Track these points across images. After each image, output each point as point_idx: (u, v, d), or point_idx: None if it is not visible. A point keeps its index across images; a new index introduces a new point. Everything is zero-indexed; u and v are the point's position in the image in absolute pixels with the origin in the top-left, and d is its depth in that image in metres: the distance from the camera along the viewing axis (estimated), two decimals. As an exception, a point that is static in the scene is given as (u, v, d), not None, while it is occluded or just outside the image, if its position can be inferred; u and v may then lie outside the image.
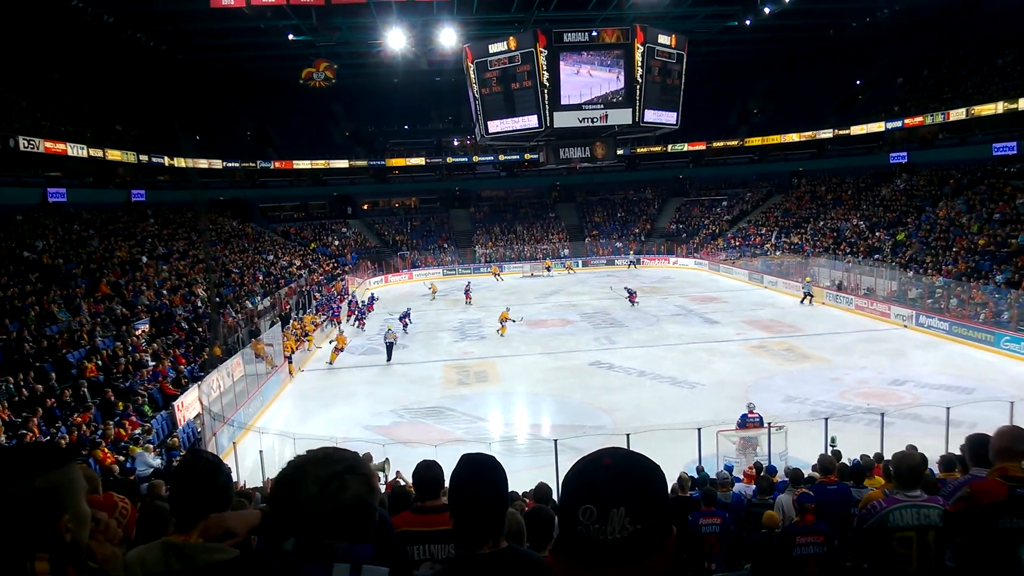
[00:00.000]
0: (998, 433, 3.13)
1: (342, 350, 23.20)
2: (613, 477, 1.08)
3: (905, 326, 24.58)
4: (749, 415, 13.40)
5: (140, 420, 14.17)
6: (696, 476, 10.13)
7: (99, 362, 15.92)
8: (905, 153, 38.56)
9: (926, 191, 34.10)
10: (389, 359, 22.59)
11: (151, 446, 13.05)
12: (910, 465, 3.54)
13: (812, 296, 29.79)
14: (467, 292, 33.33)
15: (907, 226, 32.01)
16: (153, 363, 17.27)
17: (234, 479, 10.40)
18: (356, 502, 1.26)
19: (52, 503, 1.32)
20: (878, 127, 40.25)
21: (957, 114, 34.39)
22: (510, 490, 8.20)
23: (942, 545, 3.25)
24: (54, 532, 1.33)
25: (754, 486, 8.93)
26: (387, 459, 10.69)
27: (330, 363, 22.72)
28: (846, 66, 45.53)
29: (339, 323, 28.81)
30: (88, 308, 18.96)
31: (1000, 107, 31.81)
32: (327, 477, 1.25)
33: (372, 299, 32.89)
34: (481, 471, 1.92)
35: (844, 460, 9.07)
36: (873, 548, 3.42)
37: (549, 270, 42.76)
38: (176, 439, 14.04)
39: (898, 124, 38.70)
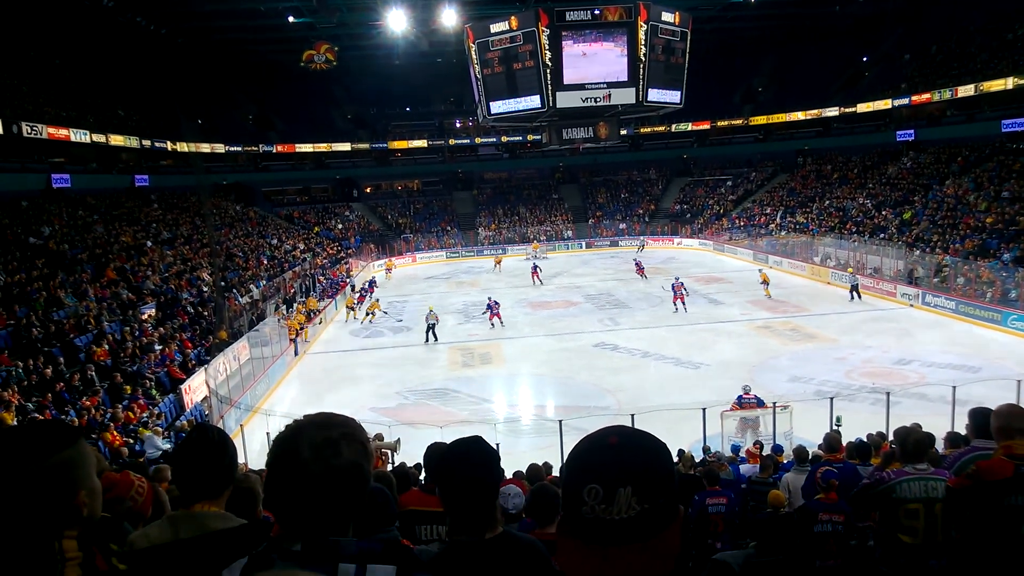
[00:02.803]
0: (996, 412, 3.16)
1: (352, 307, 27.26)
2: (619, 456, 1.05)
3: (911, 305, 24.49)
4: (745, 396, 13.45)
5: (148, 403, 14.27)
6: (704, 455, 10.17)
7: (107, 346, 16.00)
8: (912, 131, 38.14)
9: (933, 169, 33.80)
10: (436, 339, 22.77)
11: (160, 429, 13.17)
12: (916, 439, 3.57)
13: (856, 288, 25.68)
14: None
15: (914, 205, 31.79)
16: (160, 347, 17.35)
17: (240, 460, 10.48)
18: (350, 467, 1.25)
19: (68, 479, 1.37)
20: (885, 104, 39.82)
21: (966, 90, 33.96)
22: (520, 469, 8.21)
23: (949, 518, 3.28)
24: (73, 507, 1.36)
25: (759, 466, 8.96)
26: (398, 439, 10.74)
27: (347, 319, 27.07)
28: (852, 43, 44.95)
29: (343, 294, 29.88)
30: (95, 293, 19.03)
31: (1010, 83, 31.38)
32: (323, 442, 1.25)
33: (372, 283, 32.19)
34: (467, 455, 1.88)
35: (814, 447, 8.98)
36: (875, 511, 3.46)
37: (538, 260, 42.47)
38: (185, 423, 14.15)
39: (905, 101, 38.26)
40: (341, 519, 1.27)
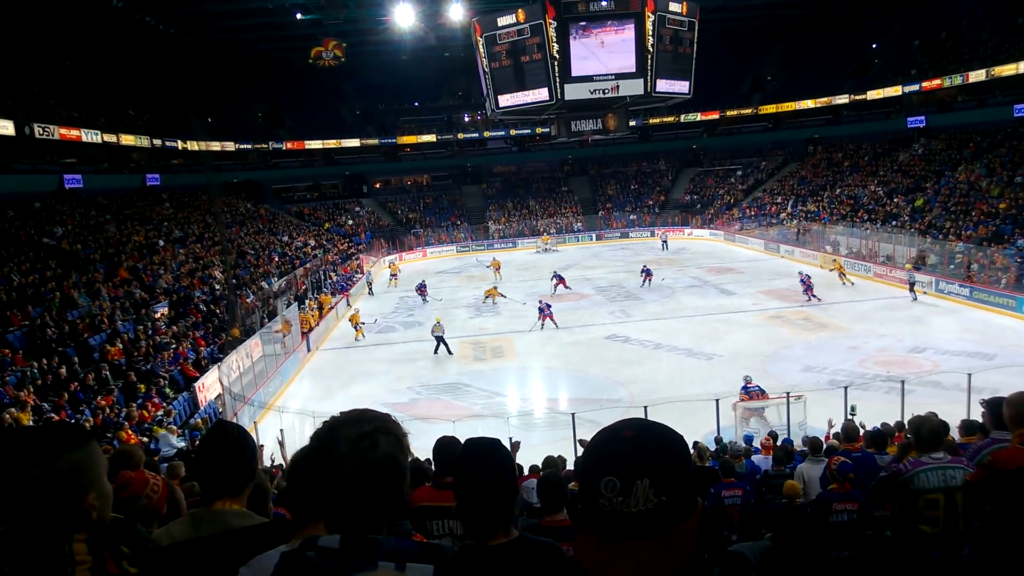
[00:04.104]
0: (1009, 401, 3.14)
1: (358, 325, 23.63)
2: (636, 448, 1.05)
3: (925, 292, 24.26)
4: (748, 386, 13.43)
5: (162, 402, 14.38)
6: (716, 446, 10.15)
7: (120, 345, 16.13)
8: (923, 117, 37.75)
9: (945, 155, 33.46)
10: (447, 351, 20.69)
11: (174, 427, 13.27)
12: (930, 428, 3.54)
13: (914, 285, 23.79)
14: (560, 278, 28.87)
15: (926, 191, 31.49)
16: (173, 345, 17.47)
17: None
18: (387, 460, 1.25)
19: (77, 482, 1.35)
20: (895, 91, 39.45)
21: (976, 76, 33.58)
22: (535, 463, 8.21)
23: (969, 507, 3.26)
24: (81, 511, 1.36)
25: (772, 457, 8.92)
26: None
27: (358, 338, 23.29)
28: (861, 30, 44.50)
29: (347, 298, 29.29)
30: (108, 292, 19.17)
31: (1022, 67, 30.99)
32: (358, 436, 1.25)
33: (422, 287, 29.02)
34: (482, 457, 1.87)
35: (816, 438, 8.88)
36: (894, 503, 3.44)
37: (549, 250, 41.93)
38: (200, 421, 14.25)
39: (915, 88, 37.90)
40: (379, 514, 1.27)
